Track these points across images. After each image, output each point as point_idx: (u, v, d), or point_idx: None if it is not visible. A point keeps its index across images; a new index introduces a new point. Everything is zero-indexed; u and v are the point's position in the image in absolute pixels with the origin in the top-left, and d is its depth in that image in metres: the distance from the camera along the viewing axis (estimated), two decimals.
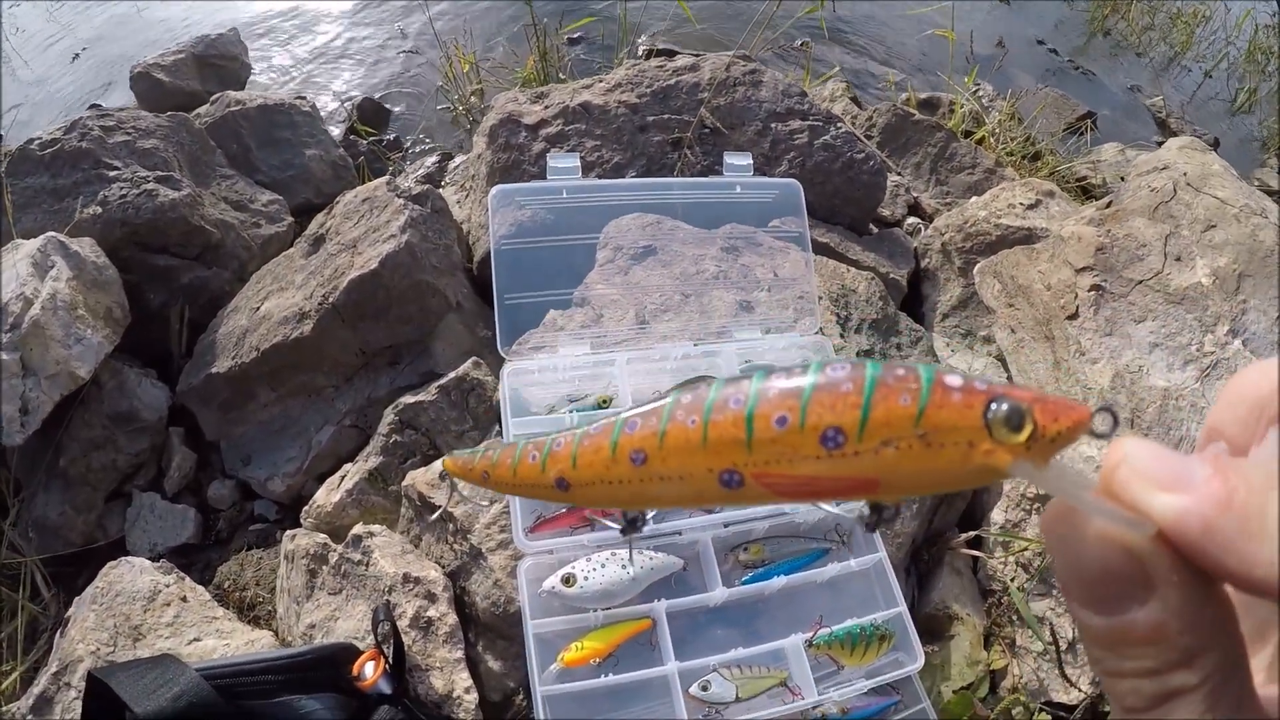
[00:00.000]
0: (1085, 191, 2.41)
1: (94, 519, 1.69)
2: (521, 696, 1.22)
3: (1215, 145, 3.18)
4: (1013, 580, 1.47)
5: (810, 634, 1.19)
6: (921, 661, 1.22)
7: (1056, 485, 0.26)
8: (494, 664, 1.23)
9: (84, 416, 1.68)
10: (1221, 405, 0.28)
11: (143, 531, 1.69)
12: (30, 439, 1.55)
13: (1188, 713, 0.22)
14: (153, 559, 1.43)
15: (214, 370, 1.65)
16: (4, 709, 1.40)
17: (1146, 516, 0.23)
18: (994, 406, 0.29)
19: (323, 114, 2.53)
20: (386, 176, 1.82)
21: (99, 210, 1.80)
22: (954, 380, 0.30)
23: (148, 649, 1.29)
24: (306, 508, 1.51)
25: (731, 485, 0.35)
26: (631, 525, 0.53)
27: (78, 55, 3.66)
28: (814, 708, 1.17)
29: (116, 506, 1.73)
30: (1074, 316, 1.53)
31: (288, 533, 1.42)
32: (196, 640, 1.32)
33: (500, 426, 1.48)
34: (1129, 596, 0.23)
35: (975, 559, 1.55)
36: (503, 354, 1.35)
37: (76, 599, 1.36)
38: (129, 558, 1.40)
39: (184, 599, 1.38)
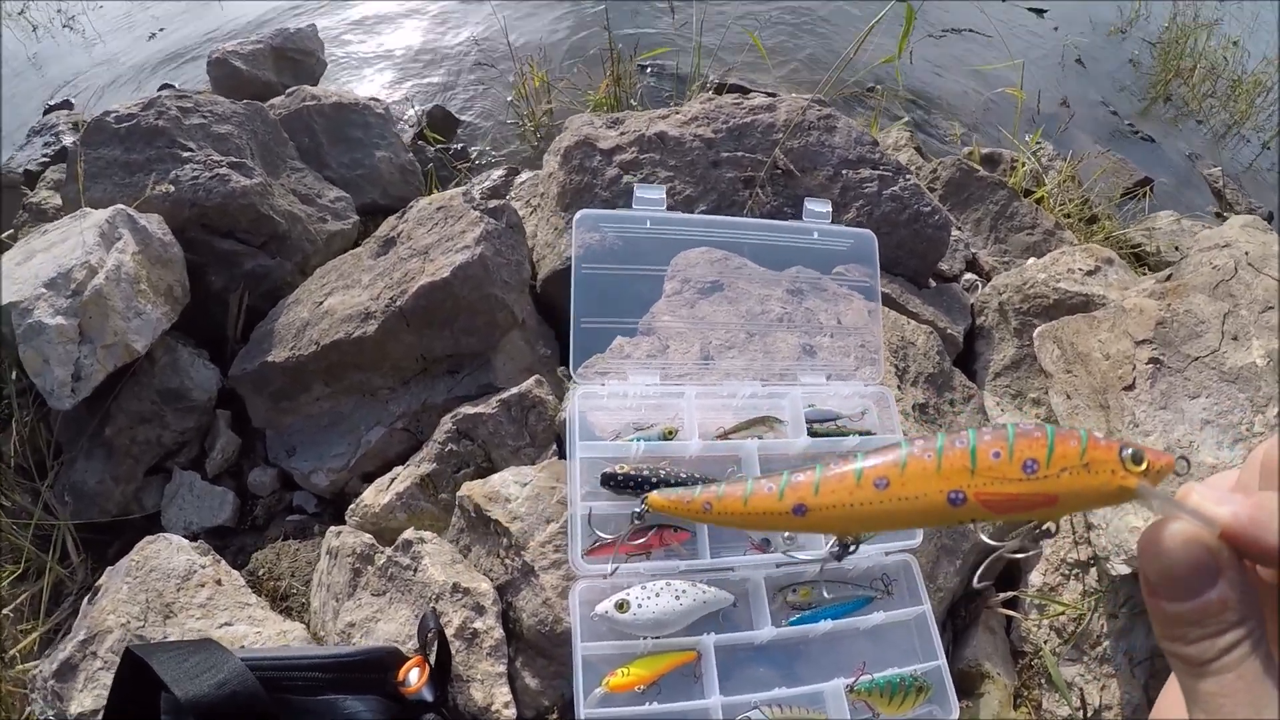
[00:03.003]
0: (1138, 258, 2.41)
1: (132, 491, 1.70)
2: (555, 716, 1.22)
3: (1269, 219, 3.18)
4: (1046, 643, 1.46)
5: (853, 679, 1.19)
6: (956, 715, 1.22)
7: (1165, 499, 0.41)
8: (531, 681, 1.23)
9: (134, 389, 1.70)
10: (1246, 468, 0.43)
11: (179, 509, 1.70)
12: (78, 405, 1.56)
13: (1243, 653, 0.36)
14: (187, 537, 1.44)
15: (270, 359, 1.67)
16: (22, 666, 1.41)
17: (1213, 521, 0.37)
18: (1125, 449, 0.46)
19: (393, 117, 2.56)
20: (463, 188, 1.83)
21: (170, 189, 1.82)
22: (1097, 434, 0.48)
23: (178, 627, 1.29)
24: (353, 506, 1.51)
25: (957, 503, 0.49)
26: (844, 550, 0.66)
27: (154, 35, 3.72)
28: None
29: (155, 481, 1.75)
30: (1130, 388, 1.53)
31: (332, 529, 1.42)
32: (227, 625, 1.32)
33: (558, 447, 1.49)
34: (1206, 582, 0.38)
35: (1010, 619, 1.54)
36: (574, 377, 1.35)
37: (109, 569, 1.36)
38: (167, 534, 1.40)
39: (218, 582, 1.38)
